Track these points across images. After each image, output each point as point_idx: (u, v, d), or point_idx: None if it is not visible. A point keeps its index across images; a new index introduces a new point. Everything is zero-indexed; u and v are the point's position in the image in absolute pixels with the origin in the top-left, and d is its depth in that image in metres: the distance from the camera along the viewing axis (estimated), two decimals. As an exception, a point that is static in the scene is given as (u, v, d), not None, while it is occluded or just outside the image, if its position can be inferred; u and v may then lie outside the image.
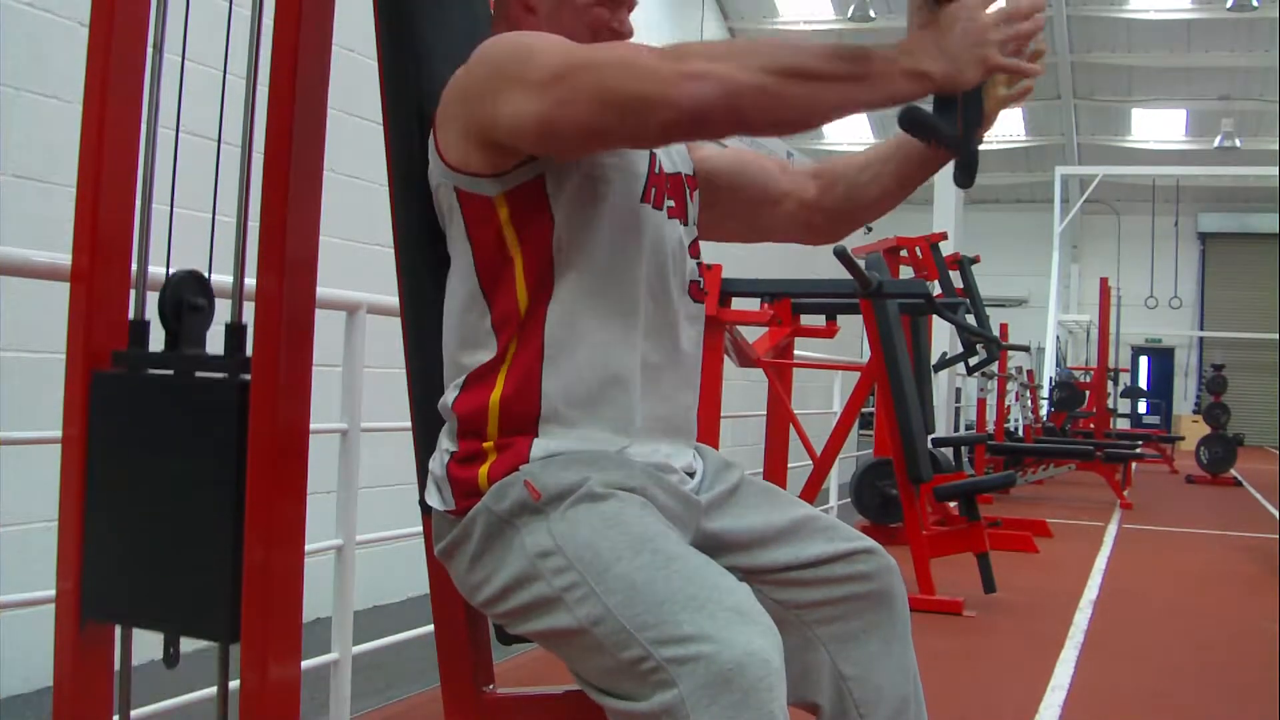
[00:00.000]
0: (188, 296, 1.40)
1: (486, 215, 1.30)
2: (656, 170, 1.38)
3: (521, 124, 1.22)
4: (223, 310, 1.41)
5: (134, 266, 1.42)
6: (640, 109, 1.16)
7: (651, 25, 14.91)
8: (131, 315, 1.43)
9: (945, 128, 1.20)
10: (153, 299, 1.42)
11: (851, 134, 20.10)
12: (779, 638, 1.14)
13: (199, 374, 1.36)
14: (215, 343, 1.40)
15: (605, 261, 1.31)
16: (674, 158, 1.45)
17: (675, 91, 1.14)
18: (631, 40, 1.39)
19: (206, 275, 1.43)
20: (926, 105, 1.20)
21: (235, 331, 1.36)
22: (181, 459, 1.32)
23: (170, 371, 1.38)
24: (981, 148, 1.26)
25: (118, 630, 1.40)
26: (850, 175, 1.52)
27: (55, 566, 1.38)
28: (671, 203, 1.40)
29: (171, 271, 1.40)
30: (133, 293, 1.43)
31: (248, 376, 1.29)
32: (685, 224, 1.43)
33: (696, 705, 1.08)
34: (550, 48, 1.24)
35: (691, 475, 1.40)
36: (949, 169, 1.47)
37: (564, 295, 1.30)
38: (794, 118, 1.18)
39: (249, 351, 1.31)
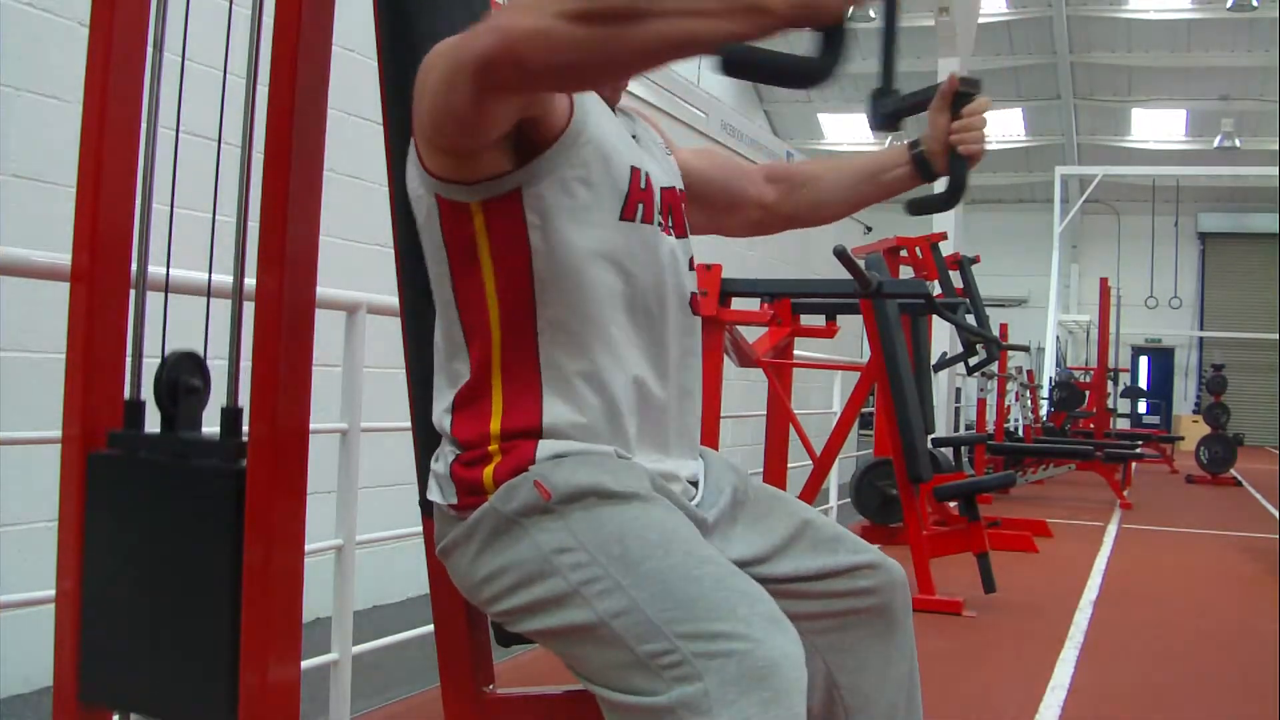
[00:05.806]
0: (184, 377, 1.38)
1: (462, 223, 1.28)
2: (642, 186, 1.34)
3: (426, 127, 1.23)
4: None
5: (134, 267, 1.42)
6: (455, 79, 1.15)
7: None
8: (127, 395, 1.40)
9: (788, 64, 1.03)
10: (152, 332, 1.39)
11: (852, 134, 20.14)
12: (804, 651, 1.14)
13: (195, 459, 1.32)
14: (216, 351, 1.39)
15: (593, 281, 1.28)
16: (667, 171, 1.42)
17: (468, 52, 1.12)
18: None
19: (202, 356, 1.40)
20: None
21: (231, 416, 1.33)
22: (177, 546, 1.30)
23: (166, 457, 1.34)
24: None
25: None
26: (821, 186, 1.58)
27: (55, 569, 1.38)
28: (663, 217, 1.37)
29: (168, 352, 1.37)
30: (132, 323, 1.41)
31: (244, 463, 1.27)
32: (681, 237, 1.41)
33: (722, 699, 1.07)
34: (445, 46, 1.22)
35: (695, 485, 1.39)
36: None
37: (554, 316, 1.28)
38: (584, 61, 1.06)
39: (245, 435, 1.29)
